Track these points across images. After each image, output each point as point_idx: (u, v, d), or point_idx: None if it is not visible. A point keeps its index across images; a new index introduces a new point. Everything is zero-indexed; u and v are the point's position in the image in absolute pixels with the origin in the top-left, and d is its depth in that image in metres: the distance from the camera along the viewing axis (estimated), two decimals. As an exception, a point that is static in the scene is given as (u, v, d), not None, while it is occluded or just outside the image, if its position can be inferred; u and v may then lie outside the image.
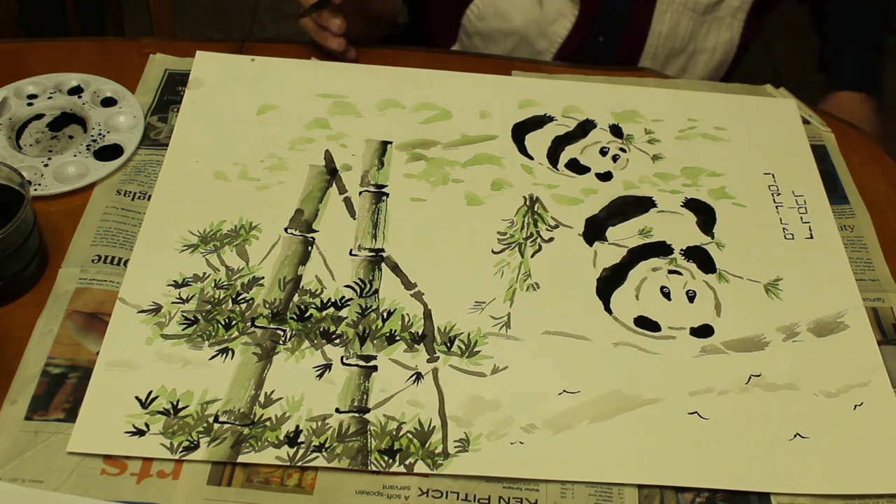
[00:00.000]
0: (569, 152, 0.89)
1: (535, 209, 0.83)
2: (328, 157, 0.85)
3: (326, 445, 0.65)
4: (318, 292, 0.74)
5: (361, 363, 0.70)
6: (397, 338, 0.72)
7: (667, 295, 0.78)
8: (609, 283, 0.78)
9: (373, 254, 0.78)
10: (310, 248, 0.77)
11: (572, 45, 1.06)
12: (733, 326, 0.76)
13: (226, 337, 0.71)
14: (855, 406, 0.72)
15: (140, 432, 0.65)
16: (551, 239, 0.81)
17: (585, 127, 0.92)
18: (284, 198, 0.81)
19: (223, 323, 0.72)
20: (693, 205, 0.85)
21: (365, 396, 0.68)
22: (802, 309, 0.78)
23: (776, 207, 0.86)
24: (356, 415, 0.67)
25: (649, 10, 1.05)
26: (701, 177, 0.88)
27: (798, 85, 1.05)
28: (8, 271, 0.70)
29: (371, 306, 0.74)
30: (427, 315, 0.74)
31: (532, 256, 0.79)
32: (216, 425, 0.66)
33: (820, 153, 0.92)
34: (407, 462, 0.65)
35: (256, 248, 0.77)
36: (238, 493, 0.63)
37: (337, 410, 0.67)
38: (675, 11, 1.04)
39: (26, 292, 0.72)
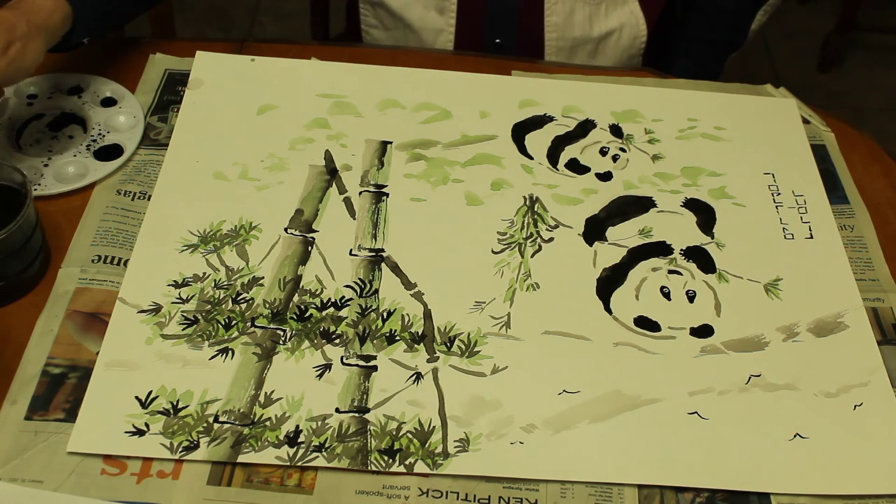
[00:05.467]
0: (569, 152, 0.89)
1: (535, 209, 0.83)
2: (328, 157, 0.85)
3: (326, 445, 0.65)
4: (318, 292, 0.74)
5: (361, 363, 0.70)
6: (397, 338, 0.72)
7: (667, 295, 0.78)
8: (609, 283, 0.78)
9: (373, 254, 0.78)
10: (310, 248, 0.77)
11: None
12: (733, 326, 0.76)
13: (226, 337, 0.71)
14: (855, 406, 0.72)
15: (140, 432, 0.65)
16: (551, 239, 0.81)
17: (585, 127, 0.92)
18: (284, 198, 0.81)
19: (223, 323, 0.72)
20: (693, 205, 0.85)
21: (365, 396, 0.68)
22: (802, 309, 0.78)
23: (776, 207, 0.86)
24: (356, 415, 0.67)
25: (539, 3, 1.04)
26: (701, 177, 0.88)
27: (798, 85, 1.05)
28: (10, 271, 0.70)
29: (371, 306, 0.74)
30: (427, 315, 0.74)
31: (532, 256, 0.79)
32: (216, 425, 0.66)
33: (820, 153, 0.92)
34: (407, 462, 0.65)
35: (256, 248, 0.77)
36: (238, 493, 0.63)
37: (337, 410, 0.67)
38: (567, 0, 1.04)
39: (29, 292, 0.72)
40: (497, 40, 1.07)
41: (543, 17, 1.04)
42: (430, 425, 0.67)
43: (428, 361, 0.71)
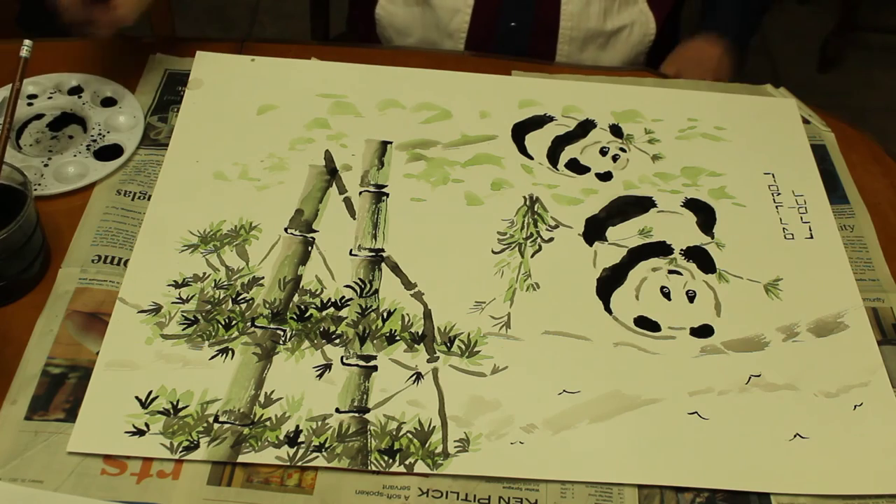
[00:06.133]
0: (569, 152, 0.89)
1: (535, 209, 0.83)
2: (328, 157, 0.85)
3: (326, 445, 0.65)
4: (318, 292, 0.74)
5: (361, 363, 0.70)
6: (397, 338, 0.72)
7: (667, 295, 0.78)
8: (609, 283, 0.78)
9: (373, 254, 0.78)
10: (310, 248, 0.77)
11: (478, 36, 1.06)
12: (733, 326, 0.76)
13: (226, 337, 0.71)
14: (855, 406, 0.72)
15: (140, 432, 0.65)
16: (551, 239, 0.81)
17: (585, 127, 0.92)
18: (284, 198, 0.81)
19: (223, 323, 0.72)
20: (693, 205, 0.85)
21: (365, 396, 0.68)
22: (802, 309, 0.78)
23: (776, 207, 0.86)
24: (356, 415, 0.67)
25: None
26: (701, 176, 0.88)
27: (798, 85, 1.05)
28: (10, 271, 0.70)
29: (371, 306, 0.74)
30: (427, 315, 0.74)
31: (532, 256, 0.79)
32: (216, 425, 0.66)
33: (820, 153, 0.92)
34: (407, 462, 0.65)
35: (256, 248, 0.77)
36: (238, 493, 0.63)
37: (337, 410, 0.67)
38: None
39: (29, 292, 0.72)
40: (512, 24, 1.07)
41: (560, 4, 1.04)
42: (430, 425, 0.67)
43: (428, 361, 0.71)
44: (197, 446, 0.64)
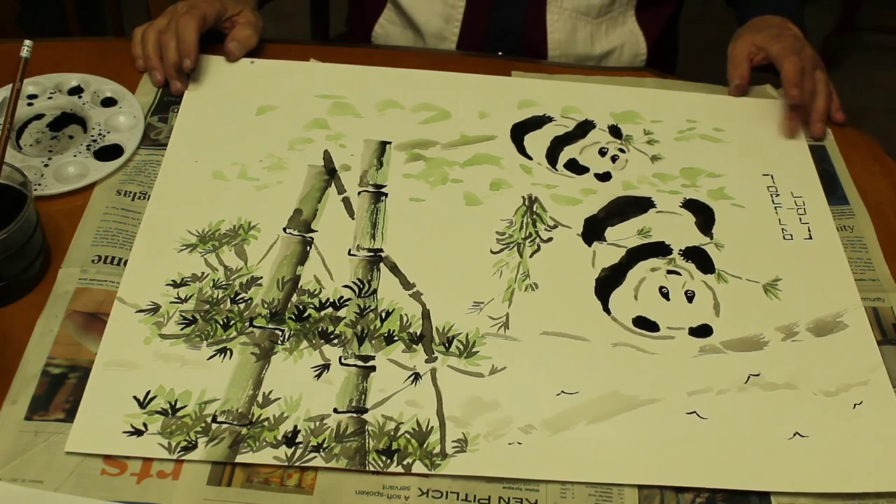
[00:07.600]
0: (568, 152, 0.89)
1: (534, 209, 0.83)
2: (327, 158, 0.85)
3: (324, 445, 0.65)
4: (316, 292, 0.74)
5: (360, 363, 0.70)
6: (395, 338, 0.72)
7: (665, 295, 0.78)
8: (608, 283, 0.78)
9: (371, 254, 0.78)
10: (308, 248, 0.78)
11: None
12: (732, 326, 0.76)
13: (224, 337, 0.71)
14: (854, 405, 0.72)
15: (138, 432, 0.65)
16: (550, 239, 0.81)
17: (584, 127, 0.92)
18: (283, 198, 0.81)
19: (221, 323, 0.72)
20: (692, 205, 0.85)
21: (363, 396, 0.68)
22: (801, 309, 0.78)
23: (775, 208, 0.86)
24: (354, 415, 0.67)
25: (541, 21, 1.04)
26: (700, 177, 0.88)
27: (798, 85, 1.04)
28: (10, 271, 0.70)
29: (369, 306, 0.74)
30: (425, 315, 0.74)
31: (531, 256, 0.79)
32: (214, 425, 0.66)
33: (819, 153, 0.92)
34: (405, 462, 0.65)
35: (255, 247, 0.77)
36: (238, 493, 0.63)
37: (335, 410, 0.67)
38: (569, 18, 1.04)
39: (29, 292, 0.72)
40: (499, 53, 1.07)
41: (546, 33, 1.04)
42: (428, 426, 0.67)
43: (426, 362, 0.71)
44: (195, 446, 0.64)
